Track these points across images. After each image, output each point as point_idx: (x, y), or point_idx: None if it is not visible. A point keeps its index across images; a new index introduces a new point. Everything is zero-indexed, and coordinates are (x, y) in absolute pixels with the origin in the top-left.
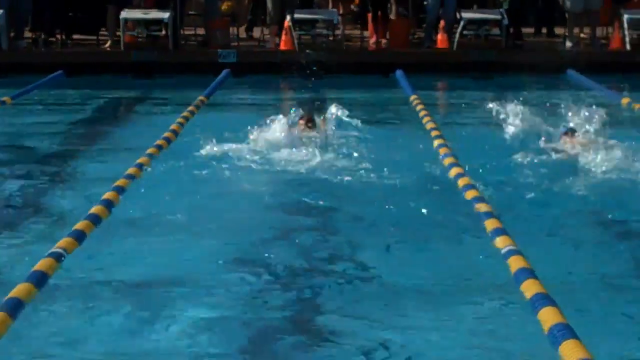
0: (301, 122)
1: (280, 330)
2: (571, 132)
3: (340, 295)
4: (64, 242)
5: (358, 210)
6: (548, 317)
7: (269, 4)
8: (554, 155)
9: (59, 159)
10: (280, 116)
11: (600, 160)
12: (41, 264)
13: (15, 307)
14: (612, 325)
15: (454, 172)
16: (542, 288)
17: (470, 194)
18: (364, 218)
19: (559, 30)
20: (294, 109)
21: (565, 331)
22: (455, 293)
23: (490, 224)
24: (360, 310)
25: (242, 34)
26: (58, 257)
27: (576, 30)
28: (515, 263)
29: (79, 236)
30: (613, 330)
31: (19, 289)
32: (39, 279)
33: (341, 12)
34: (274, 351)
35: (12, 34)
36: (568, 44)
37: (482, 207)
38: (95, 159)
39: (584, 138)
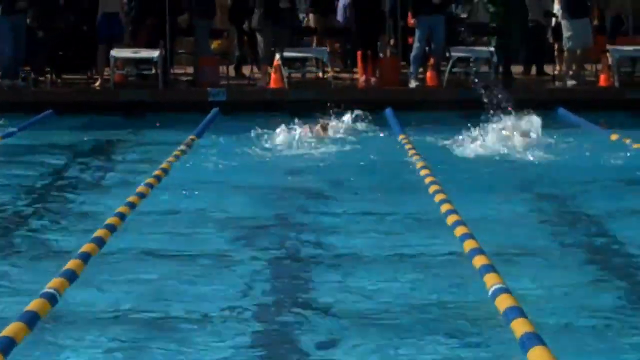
0: (317, 128)
1: None
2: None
3: (324, 326)
4: (55, 281)
5: (347, 244)
6: (537, 356)
7: (260, 43)
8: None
9: (48, 199)
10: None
11: None
12: (34, 304)
13: (7, 345)
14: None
15: (444, 208)
16: (532, 327)
17: (459, 231)
18: (351, 250)
19: (548, 69)
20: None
21: None
22: (440, 327)
23: (478, 261)
24: (346, 341)
25: (232, 72)
26: (51, 298)
27: (564, 68)
28: (504, 302)
29: (70, 275)
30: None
31: (11, 328)
32: (31, 319)
33: (329, 50)
34: None
35: None
36: (570, 82)
37: (470, 244)
38: (85, 198)
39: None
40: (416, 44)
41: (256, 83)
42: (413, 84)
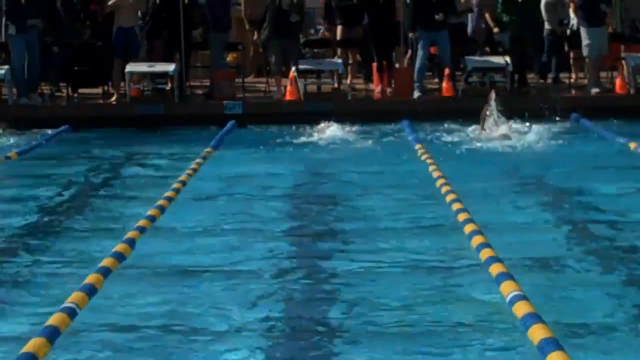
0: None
1: None
2: None
3: (340, 337)
4: (75, 296)
5: (362, 253)
6: None
7: (271, 55)
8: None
9: (65, 214)
10: None
11: None
12: (54, 319)
13: None
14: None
15: (461, 217)
16: (550, 332)
17: (476, 240)
18: (367, 260)
19: (564, 77)
20: None
21: None
22: (456, 334)
23: (495, 269)
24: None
25: (247, 85)
26: (71, 312)
27: (581, 74)
28: (522, 308)
29: (90, 290)
30: None
31: (32, 344)
32: (52, 334)
33: (350, 61)
34: None
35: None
36: (594, 89)
37: (487, 253)
38: (104, 212)
39: None
40: (419, 55)
41: (272, 95)
42: (416, 94)
